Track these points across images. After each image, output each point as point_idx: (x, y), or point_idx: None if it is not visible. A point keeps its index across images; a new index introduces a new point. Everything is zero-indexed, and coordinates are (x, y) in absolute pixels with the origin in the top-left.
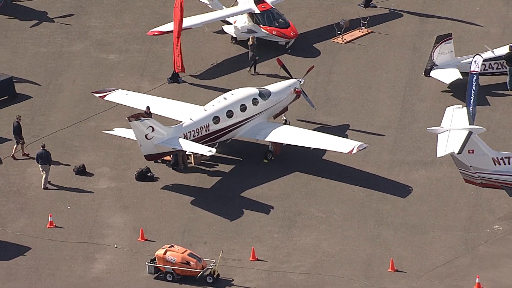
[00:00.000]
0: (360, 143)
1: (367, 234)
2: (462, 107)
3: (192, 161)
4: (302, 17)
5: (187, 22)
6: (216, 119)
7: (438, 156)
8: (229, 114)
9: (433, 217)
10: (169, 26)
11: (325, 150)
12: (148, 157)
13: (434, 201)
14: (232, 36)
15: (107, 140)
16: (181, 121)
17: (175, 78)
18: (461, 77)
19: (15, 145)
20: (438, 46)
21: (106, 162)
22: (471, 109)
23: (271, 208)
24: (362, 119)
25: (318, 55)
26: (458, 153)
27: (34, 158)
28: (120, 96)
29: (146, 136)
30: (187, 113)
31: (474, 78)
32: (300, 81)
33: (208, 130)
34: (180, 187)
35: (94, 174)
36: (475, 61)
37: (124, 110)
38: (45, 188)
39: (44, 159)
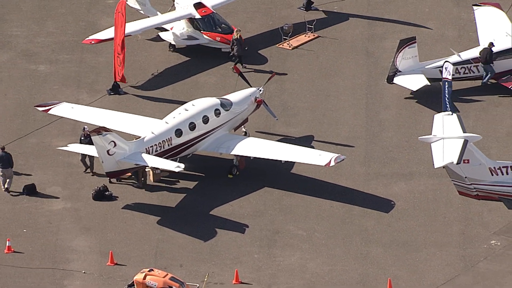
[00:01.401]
0: (337, 154)
1: (355, 252)
2: (452, 114)
3: (151, 178)
4: (241, 22)
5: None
6: (178, 132)
7: (436, 167)
8: (192, 126)
9: (423, 232)
10: (106, 34)
11: (297, 163)
12: (110, 174)
13: (421, 215)
14: (170, 44)
15: (53, 157)
16: (138, 136)
17: (115, 89)
18: (428, 83)
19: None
20: (401, 50)
21: (56, 181)
22: None
23: (245, 226)
24: (326, 130)
25: (265, 62)
26: (457, 163)
27: None
28: (65, 110)
29: (108, 151)
30: (144, 126)
31: (447, 86)
32: (260, 90)
33: (171, 144)
34: (143, 206)
35: (45, 194)
36: (445, 68)
37: (66, 125)
38: (6, 190)
39: (5, 162)
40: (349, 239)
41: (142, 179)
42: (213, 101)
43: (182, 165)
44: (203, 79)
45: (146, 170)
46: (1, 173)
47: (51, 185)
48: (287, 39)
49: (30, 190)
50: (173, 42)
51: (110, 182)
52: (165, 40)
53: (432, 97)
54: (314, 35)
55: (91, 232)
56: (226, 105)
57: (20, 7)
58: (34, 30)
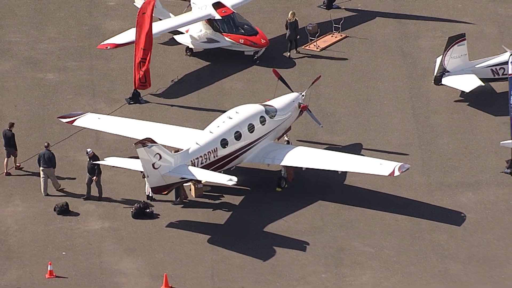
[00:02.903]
0: (400, 163)
1: (432, 269)
2: None
3: (193, 193)
4: (258, 23)
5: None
6: (224, 142)
7: None
8: (237, 135)
9: (503, 247)
10: (123, 37)
11: (350, 173)
12: (155, 190)
13: (497, 228)
14: (187, 47)
15: (79, 173)
16: (177, 148)
17: (135, 98)
18: (482, 84)
19: (6, 159)
20: (450, 49)
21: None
22: None
23: (306, 244)
24: (374, 137)
25: (293, 65)
26: None
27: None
28: (91, 121)
29: (153, 165)
30: (180, 136)
31: None
32: (302, 95)
33: (216, 155)
34: (189, 224)
35: (79, 213)
36: (511, 62)
37: (87, 137)
38: (46, 195)
39: (48, 161)
40: (422, 255)
41: (182, 196)
42: (257, 108)
43: (235, 178)
44: (229, 84)
45: (185, 184)
46: (43, 175)
47: (84, 203)
48: (313, 39)
49: (63, 209)
50: (191, 46)
51: (148, 199)
52: (181, 44)
53: (485, 99)
54: (341, 35)
55: (137, 253)
56: (270, 112)
57: (14, 11)
58: (34, 35)
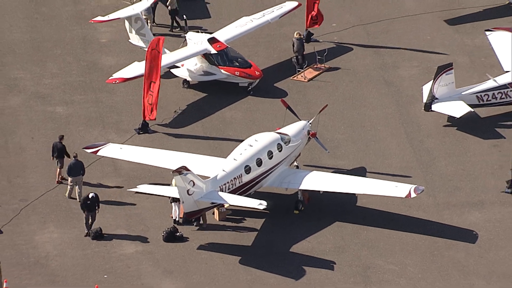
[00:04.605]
0: (414, 185)
1: (457, 285)
2: None
3: (217, 217)
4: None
5: (139, 69)
6: (247, 168)
7: None
8: (258, 162)
9: None
10: (130, 72)
11: (365, 195)
12: (189, 215)
13: (510, 245)
14: (184, 80)
15: (106, 199)
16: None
17: (144, 128)
18: (471, 110)
19: (59, 169)
20: (438, 77)
21: (118, 223)
22: None
23: (332, 263)
24: (375, 161)
25: (286, 95)
26: None
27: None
28: (114, 150)
29: (187, 191)
30: (203, 164)
31: None
32: (309, 123)
33: (241, 181)
34: (218, 246)
35: (112, 238)
36: None
37: (106, 166)
38: (70, 197)
39: (78, 169)
40: (445, 271)
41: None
42: (274, 135)
43: (265, 202)
44: (229, 114)
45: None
46: (71, 182)
47: (115, 228)
48: (300, 71)
49: (97, 234)
50: (188, 79)
51: (174, 223)
52: (177, 76)
53: (472, 124)
54: (325, 66)
55: (175, 275)
56: (285, 139)
57: (14, 49)
58: (37, 72)
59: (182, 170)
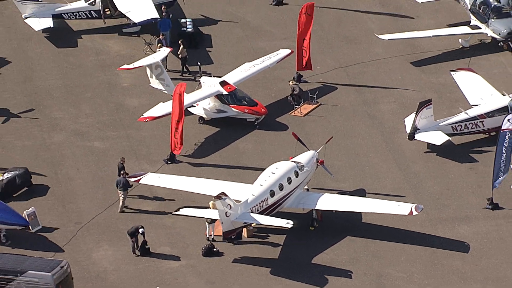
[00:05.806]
0: (414, 204)
1: None
2: None
3: (245, 234)
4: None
5: (164, 109)
6: (272, 192)
7: None
8: (280, 187)
9: (509, 269)
10: (158, 111)
11: (368, 213)
12: (226, 234)
13: (499, 254)
14: (200, 117)
15: (148, 220)
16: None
17: (172, 159)
18: (449, 139)
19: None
20: (420, 111)
21: (161, 242)
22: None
23: (350, 272)
24: (372, 183)
25: (286, 128)
26: None
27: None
28: (154, 179)
29: (226, 214)
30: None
31: (508, 136)
32: (317, 152)
33: (267, 203)
34: (249, 259)
35: (158, 254)
36: (508, 119)
37: (143, 191)
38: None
39: (125, 185)
40: (447, 278)
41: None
42: (291, 164)
43: (291, 222)
44: (242, 145)
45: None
46: (122, 196)
47: (159, 245)
48: (297, 107)
49: (145, 251)
50: (204, 116)
51: (208, 240)
52: (193, 114)
53: (449, 150)
54: (317, 103)
55: (216, 285)
56: (300, 167)
57: (51, 94)
58: (74, 112)
59: (221, 196)
